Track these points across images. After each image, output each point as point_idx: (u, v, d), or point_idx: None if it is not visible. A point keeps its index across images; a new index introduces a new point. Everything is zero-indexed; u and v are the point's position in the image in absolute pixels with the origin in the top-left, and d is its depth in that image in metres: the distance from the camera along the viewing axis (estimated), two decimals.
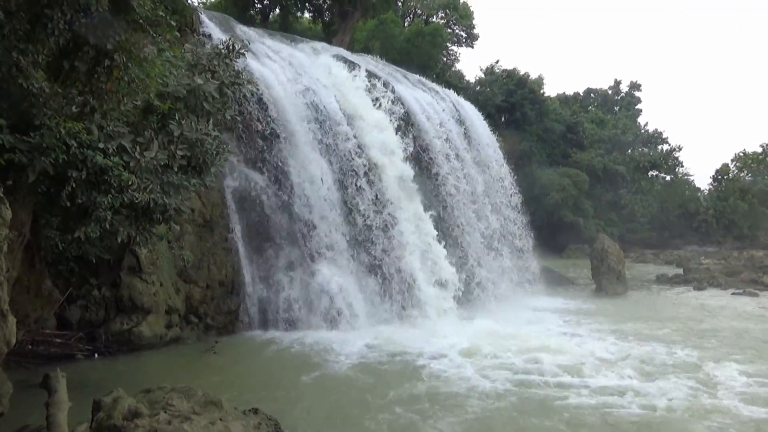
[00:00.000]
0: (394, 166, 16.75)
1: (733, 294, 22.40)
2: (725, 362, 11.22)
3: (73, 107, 7.13)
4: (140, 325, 11.50)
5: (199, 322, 13.03)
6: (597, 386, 9.57)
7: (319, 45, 22.36)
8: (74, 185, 6.97)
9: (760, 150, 51.89)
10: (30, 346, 10.12)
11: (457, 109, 23.59)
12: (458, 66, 46.32)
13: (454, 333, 13.11)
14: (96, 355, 10.92)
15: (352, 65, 19.76)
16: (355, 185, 15.70)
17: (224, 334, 13.19)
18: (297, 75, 17.03)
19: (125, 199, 7.31)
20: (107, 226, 7.46)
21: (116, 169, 7.08)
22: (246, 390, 9.14)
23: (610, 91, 66.32)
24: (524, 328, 14.15)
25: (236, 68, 9.69)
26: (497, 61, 49.04)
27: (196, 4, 27.11)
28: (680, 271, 29.48)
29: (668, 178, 53.94)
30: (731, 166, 52.06)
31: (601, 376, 10.18)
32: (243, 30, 19.29)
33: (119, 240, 7.87)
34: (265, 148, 15.14)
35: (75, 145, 6.76)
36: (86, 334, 11.11)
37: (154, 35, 7.90)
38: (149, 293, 11.81)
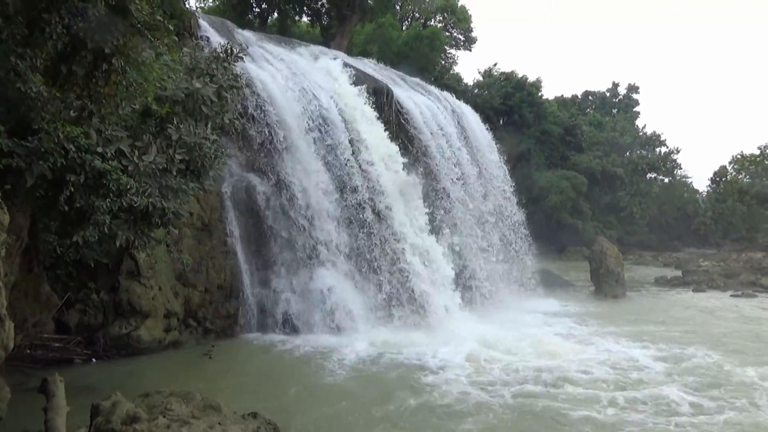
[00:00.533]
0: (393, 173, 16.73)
1: (732, 296, 22.46)
2: (757, 368, 10.31)
3: (72, 111, 7.12)
4: (139, 329, 11.48)
5: (197, 325, 13.01)
6: (614, 398, 8.53)
7: (318, 49, 22.37)
8: (72, 189, 6.95)
9: (757, 152, 52.06)
10: (28, 351, 10.11)
11: (454, 111, 23.64)
12: (456, 69, 46.41)
13: (452, 338, 13.00)
14: (94, 359, 10.92)
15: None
16: (353, 186, 15.66)
17: (223, 337, 13.17)
18: (295, 78, 17.03)
19: (124, 203, 7.30)
20: (106, 230, 7.44)
21: (115, 173, 7.07)
22: (245, 394, 9.11)
23: (608, 94, 66.41)
24: (526, 333, 13.75)
25: (234, 72, 9.68)
26: (495, 64, 49.34)
27: (195, 8, 27.30)
28: (679, 273, 29.58)
29: (666, 180, 54.16)
30: (729, 168, 52.25)
31: (617, 385, 9.21)
32: (241, 34, 19.31)
33: (118, 244, 7.85)
34: (263, 151, 15.14)
35: (73, 149, 6.74)
36: (85, 338, 11.10)
37: (152, 39, 7.88)
38: (148, 297, 11.79)
